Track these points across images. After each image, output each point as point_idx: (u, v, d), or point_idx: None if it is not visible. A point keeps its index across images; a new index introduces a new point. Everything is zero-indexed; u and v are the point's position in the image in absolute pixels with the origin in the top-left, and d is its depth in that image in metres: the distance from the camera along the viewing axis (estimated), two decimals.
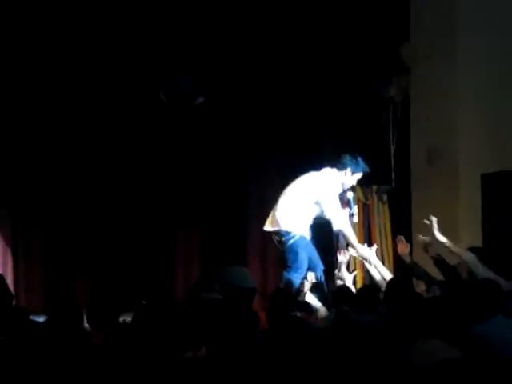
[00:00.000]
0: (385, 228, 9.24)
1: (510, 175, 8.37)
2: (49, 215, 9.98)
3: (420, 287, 6.92)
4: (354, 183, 8.08)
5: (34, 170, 9.89)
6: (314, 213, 7.95)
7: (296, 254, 7.75)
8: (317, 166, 8.30)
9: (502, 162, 8.53)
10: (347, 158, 7.93)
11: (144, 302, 9.00)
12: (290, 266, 7.74)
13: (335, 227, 7.87)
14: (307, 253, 7.83)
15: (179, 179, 10.27)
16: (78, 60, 9.67)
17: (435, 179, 8.86)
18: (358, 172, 7.97)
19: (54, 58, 9.65)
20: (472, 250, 7.67)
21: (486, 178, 8.52)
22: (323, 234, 8.32)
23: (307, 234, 7.95)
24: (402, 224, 9.12)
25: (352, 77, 9.41)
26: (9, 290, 4.75)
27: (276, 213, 7.92)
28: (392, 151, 9.39)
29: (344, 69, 9.46)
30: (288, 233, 7.82)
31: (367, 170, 8.05)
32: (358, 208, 9.17)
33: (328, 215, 7.81)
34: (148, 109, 9.92)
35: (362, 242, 9.10)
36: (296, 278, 7.65)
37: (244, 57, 9.76)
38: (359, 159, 7.96)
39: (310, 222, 7.99)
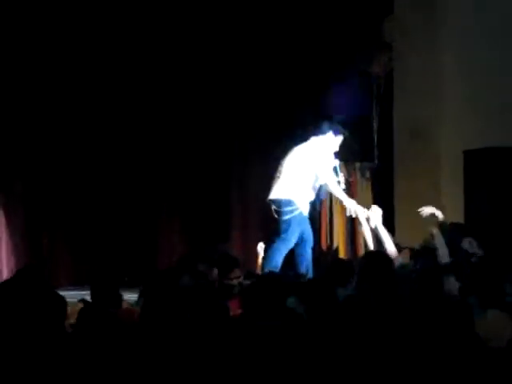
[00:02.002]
0: (368, 205, 9.22)
1: (492, 152, 8.36)
2: (32, 189, 9.88)
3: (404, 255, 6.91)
4: (337, 148, 8.03)
5: (18, 143, 9.80)
6: (314, 186, 7.97)
7: (288, 226, 7.73)
8: (299, 143, 8.28)
9: (484, 139, 8.51)
10: (326, 123, 7.96)
11: (127, 279, 9.08)
12: (278, 236, 7.74)
13: (329, 189, 7.96)
14: (300, 228, 7.84)
15: (163, 156, 10.24)
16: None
17: (418, 156, 8.87)
18: (338, 135, 7.96)
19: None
20: (454, 225, 7.70)
21: (468, 155, 8.51)
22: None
23: (306, 208, 7.94)
24: (385, 200, 9.13)
25: (335, 52, 9.37)
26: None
27: (278, 182, 7.90)
28: (375, 128, 9.39)
29: (327, 44, 9.42)
30: (289, 203, 7.78)
31: (347, 133, 8.03)
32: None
33: (322, 178, 7.86)
34: (132, 95, 9.89)
35: (344, 218, 9.14)
36: (282, 250, 7.69)
37: (227, 35, 9.70)
38: (336, 123, 7.99)
39: (312, 196, 7.99)
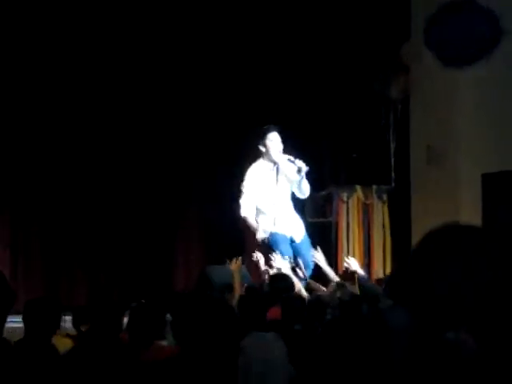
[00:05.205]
0: (384, 228, 9.23)
1: (510, 175, 8.34)
2: (48, 214, 9.91)
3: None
4: (278, 146, 7.91)
5: (33, 169, 9.84)
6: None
7: (274, 242, 7.96)
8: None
9: (503, 162, 8.50)
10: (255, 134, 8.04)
11: (143, 300, 9.04)
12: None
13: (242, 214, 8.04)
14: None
15: (177, 176, 10.24)
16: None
17: (435, 179, 8.84)
18: (267, 133, 7.92)
19: (54, 58, 9.61)
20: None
21: (486, 178, 8.49)
22: None
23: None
24: (402, 224, 9.12)
25: (352, 76, 9.39)
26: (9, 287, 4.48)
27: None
28: (392, 151, 9.39)
29: (344, 68, 9.44)
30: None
31: (274, 127, 7.94)
32: (358, 207, 9.19)
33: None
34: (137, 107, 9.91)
35: (361, 241, 9.14)
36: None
37: (236, 51, 9.73)
38: (262, 128, 7.96)
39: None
